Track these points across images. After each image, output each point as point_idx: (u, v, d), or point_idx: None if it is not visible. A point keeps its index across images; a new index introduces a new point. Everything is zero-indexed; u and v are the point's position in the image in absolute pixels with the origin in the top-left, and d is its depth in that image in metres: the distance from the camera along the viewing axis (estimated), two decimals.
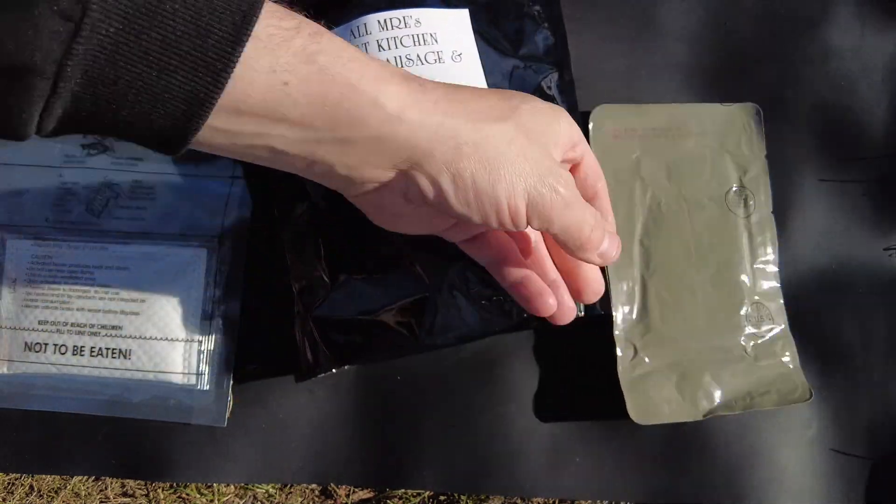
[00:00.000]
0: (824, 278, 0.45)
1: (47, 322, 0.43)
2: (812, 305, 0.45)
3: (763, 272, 0.44)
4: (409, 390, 0.44)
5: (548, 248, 0.37)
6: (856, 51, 0.48)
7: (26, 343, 0.43)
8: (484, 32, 0.41)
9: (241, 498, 0.44)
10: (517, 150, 0.29)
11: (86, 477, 0.44)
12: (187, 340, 0.43)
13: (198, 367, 0.43)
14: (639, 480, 0.43)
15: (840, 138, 0.47)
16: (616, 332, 0.42)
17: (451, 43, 0.40)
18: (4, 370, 0.43)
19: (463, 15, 0.40)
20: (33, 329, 0.43)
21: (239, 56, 0.24)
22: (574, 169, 0.34)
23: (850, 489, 0.43)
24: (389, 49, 0.39)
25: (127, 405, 0.43)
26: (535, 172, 0.29)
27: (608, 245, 0.33)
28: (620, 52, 0.48)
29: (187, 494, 0.43)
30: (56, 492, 0.44)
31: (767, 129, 0.46)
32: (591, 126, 0.44)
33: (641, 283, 0.43)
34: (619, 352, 0.42)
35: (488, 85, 0.40)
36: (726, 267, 0.44)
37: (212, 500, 0.43)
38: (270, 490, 0.44)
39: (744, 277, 0.44)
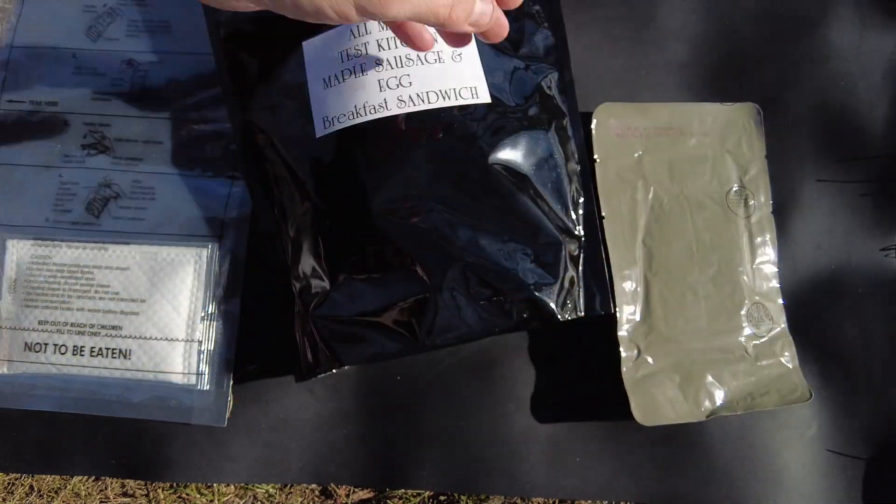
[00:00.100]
0: (824, 278, 0.45)
1: (47, 322, 0.43)
2: (812, 305, 0.45)
3: (763, 272, 0.44)
4: (409, 390, 0.44)
5: None
6: (856, 51, 0.48)
7: (26, 343, 0.43)
8: None
9: (241, 498, 0.44)
10: None
11: (86, 477, 0.44)
12: (187, 340, 0.43)
13: (198, 367, 0.43)
14: (639, 480, 0.43)
15: (840, 138, 0.47)
16: (620, 333, 0.42)
17: None
18: (4, 370, 0.43)
19: None
20: (33, 329, 0.43)
21: None
22: None
23: (850, 489, 0.43)
24: (389, 49, 0.39)
25: (127, 405, 0.43)
26: None
27: (479, 13, 0.28)
28: (620, 52, 0.48)
29: (187, 494, 0.43)
30: (56, 492, 0.44)
31: (767, 129, 0.46)
32: (594, 123, 0.44)
33: (645, 283, 0.43)
34: (623, 352, 0.42)
35: (489, 85, 0.40)
36: (727, 267, 0.44)
37: (212, 500, 0.43)
38: (270, 490, 0.44)
39: (744, 278, 0.44)
